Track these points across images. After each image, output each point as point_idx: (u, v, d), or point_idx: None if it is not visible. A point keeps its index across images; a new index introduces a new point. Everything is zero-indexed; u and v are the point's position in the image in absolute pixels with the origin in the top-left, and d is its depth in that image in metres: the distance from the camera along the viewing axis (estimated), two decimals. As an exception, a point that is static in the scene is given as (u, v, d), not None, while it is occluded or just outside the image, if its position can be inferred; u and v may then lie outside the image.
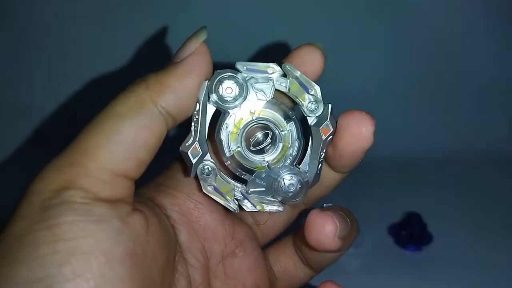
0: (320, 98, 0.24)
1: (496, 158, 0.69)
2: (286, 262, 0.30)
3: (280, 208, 0.26)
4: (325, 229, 0.24)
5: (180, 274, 0.24)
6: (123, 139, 0.20)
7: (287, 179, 0.25)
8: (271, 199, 0.25)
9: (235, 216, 0.28)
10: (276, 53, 0.66)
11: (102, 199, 0.20)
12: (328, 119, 0.24)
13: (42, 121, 0.69)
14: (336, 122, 0.24)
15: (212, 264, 0.26)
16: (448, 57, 0.72)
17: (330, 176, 0.26)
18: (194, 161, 0.24)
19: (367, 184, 0.63)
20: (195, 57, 0.22)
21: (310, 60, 0.24)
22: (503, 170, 0.67)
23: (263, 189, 0.25)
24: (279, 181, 0.25)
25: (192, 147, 0.23)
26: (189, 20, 0.68)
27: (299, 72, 0.24)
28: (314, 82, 0.24)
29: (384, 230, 0.53)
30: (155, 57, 0.68)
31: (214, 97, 0.23)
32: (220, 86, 0.23)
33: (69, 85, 0.69)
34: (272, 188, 0.25)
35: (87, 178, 0.19)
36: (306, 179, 0.25)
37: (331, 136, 0.24)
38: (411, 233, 0.51)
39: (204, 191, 0.25)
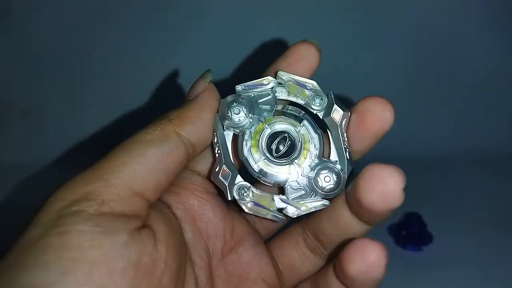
0: (320, 90, 0.25)
1: (496, 158, 0.69)
2: (291, 254, 0.28)
3: (326, 203, 0.25)
4: (393, 180, 0.21)
5: (188, 275, 0.24)
6: (148, 161, 0.22)
7: (321, 174, 0.25)
8: (313, 198, 0.25)
9: (235, 213, 0.28)
10: (275, 52, 0.66)
11: (115, 213, 0.21)
12: (335, 104, 0.25)
13: (43, 123, 0.69)
14: (348, 107, 0.25)
15: (214, 263, 0.26)
16: (448, 57, 0.72)
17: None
18: (227, 183, 0.25)
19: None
20: (206, 94, 0.25)
21: (305, 56, 0.26)
22: (503, 170, 0.67)
23: (303, 192, 0.25)
24: (314, 178, 0.25)
25: (221, 170, 0.25)
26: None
27: (291, 74, 0.25)
28: (309, 78, 0.26)
29: (384, 230, 0.53)
30: (157, 60, 0.68)
31: (227, 122, 0.25)
32: (229, 111, 0.25)
33: (69, 85, 0.69)
34: (310, 188, 0.25)
35: (107, 191, 0.21)
36: (339, 168, 0.25)
37: (345, 119, 0.25)
38: (411, 233, 0.51)
39: (246, 210, 0.26)
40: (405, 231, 0.52)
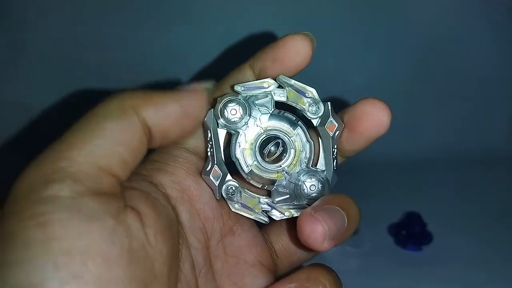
0: (318, 99, 0.26)
1: (496, 158, 0.69)
2: (288, 241, 0.29)
3: None
4: (313, 235, 0.23)
5: (184, 258, 0.24)
6: (106, 135, 0.21)
7: (307, 181, 0.25)
8: (298, 203, 0.26)
9: None
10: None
11: (91, 192, 0.19)
12: (331, 116, 0.25)
13: (41, 121, 0.69)
14: (342, 119, 0.26)
15: (212, 244, 0.26)
16: (448, 57, 0.72)
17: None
18: (217, 183, 0.25)
19: (367, 184, 0.63)
20: (189, 93, 0.23)
21: (295, 51, 0.25)
22: (503, 170, 0.67)
23: (287, 196, 0.26)
24: (300, 185, 0.26)
25: (213, 170, 0.25)
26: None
27: (293, 81, 0.25)
28: (308, 86, 0.26)
29: (384, 230, 0.53)
30: (157, 61, 0.68)
31: (222, 121, 0.25)
32: (225, 110, 0.25)
33: (69, 86, 0.69)
34: (295, 194, 0.26)
35: (75, 170, 0.19)
36: (326, 178, 0.26)
37: (338, 131, 0.25)
38: (411, 233, 0.51)
39: (232, 209, 0.26)
40: (405, 231, 0.51)
